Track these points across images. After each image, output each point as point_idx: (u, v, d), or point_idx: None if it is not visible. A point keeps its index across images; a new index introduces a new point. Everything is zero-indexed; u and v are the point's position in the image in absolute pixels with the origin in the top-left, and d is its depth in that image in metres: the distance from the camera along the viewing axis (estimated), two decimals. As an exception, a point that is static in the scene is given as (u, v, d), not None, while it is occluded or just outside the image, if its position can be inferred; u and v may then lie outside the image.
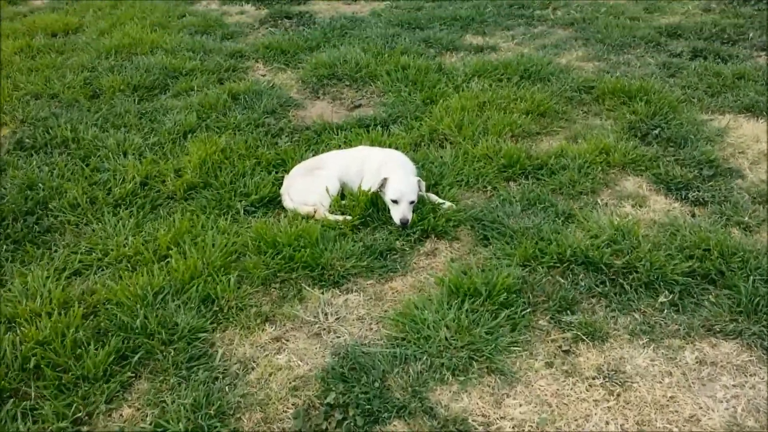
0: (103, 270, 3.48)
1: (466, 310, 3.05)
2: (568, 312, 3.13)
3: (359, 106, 5.67)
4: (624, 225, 3.69)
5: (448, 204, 3.99)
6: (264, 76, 6.35)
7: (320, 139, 4.93)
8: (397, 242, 3.70)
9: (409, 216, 3.76)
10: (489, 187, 4.26)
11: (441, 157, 4.62)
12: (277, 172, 4.39)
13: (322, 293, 3.31)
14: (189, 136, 4.95)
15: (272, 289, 3.33)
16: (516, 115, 5.16)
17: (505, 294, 3.13)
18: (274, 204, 4.11)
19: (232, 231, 3.78)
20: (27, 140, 4.84)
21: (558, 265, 3.41)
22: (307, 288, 3.33)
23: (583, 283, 3.29)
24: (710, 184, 4.24)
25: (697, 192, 4.14)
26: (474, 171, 4.40)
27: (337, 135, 4.94)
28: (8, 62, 6.48)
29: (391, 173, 3.88)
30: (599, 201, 4.11)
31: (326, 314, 3.17)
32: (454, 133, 4.89)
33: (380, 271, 3.46)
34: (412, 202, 3.81)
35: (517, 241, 3.61)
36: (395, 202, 3.80)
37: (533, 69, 6.09)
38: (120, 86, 5.80)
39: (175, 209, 4.03)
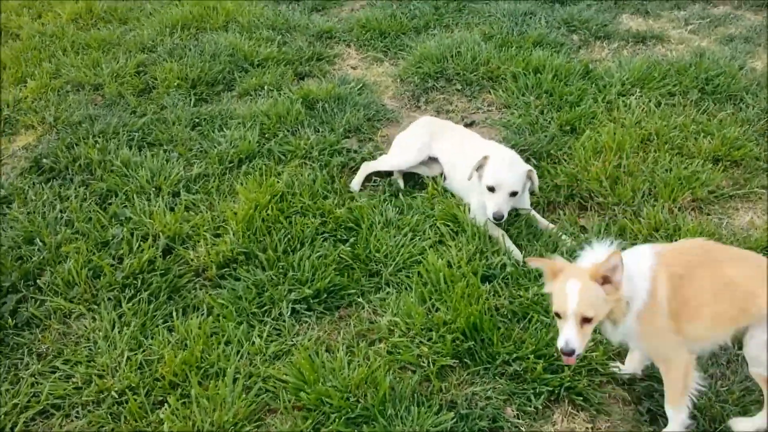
0: (77, 413, 2.42)
1: None
2: None
3: (471, 124, 4.24)
4: None
5: (548, 224, 3.27)
6: (354, 69, 4.99)
7: (411, 186, 3.60)
8: (509, 409, 2.37)
9: (506, 211, 3.11)
10: (657, 303, 2.80)
11: (582, 232, 3.18)
12: (345, 242, 3.14)
13: None
14: (245, 165, 3.77)
15: (303, 502, 2.13)
16: (697, 163, 3.57)
17: None
18: (336, 298, 2.89)
19: (268, 353, 2.60)
20: (45, 161, 3.82)
21: None
22: None
23: None
24: None
25: None
26: (634, 269, 2.93)
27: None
28: (61, 34, 5.46)
29: (492, 153, 3.22)
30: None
31: None
32: (604, 190, 3.39)
33: (477, 479, 2.17)
34: (513, 194, 3.14)
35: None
36: (491, 190, 3.13)
37: (720, 80, 4.34)
38: (176, 80, 4.65)
39: (199, 301, 2.89)
